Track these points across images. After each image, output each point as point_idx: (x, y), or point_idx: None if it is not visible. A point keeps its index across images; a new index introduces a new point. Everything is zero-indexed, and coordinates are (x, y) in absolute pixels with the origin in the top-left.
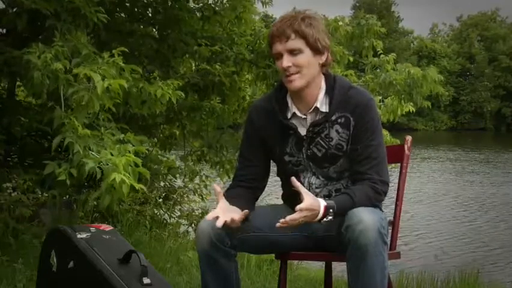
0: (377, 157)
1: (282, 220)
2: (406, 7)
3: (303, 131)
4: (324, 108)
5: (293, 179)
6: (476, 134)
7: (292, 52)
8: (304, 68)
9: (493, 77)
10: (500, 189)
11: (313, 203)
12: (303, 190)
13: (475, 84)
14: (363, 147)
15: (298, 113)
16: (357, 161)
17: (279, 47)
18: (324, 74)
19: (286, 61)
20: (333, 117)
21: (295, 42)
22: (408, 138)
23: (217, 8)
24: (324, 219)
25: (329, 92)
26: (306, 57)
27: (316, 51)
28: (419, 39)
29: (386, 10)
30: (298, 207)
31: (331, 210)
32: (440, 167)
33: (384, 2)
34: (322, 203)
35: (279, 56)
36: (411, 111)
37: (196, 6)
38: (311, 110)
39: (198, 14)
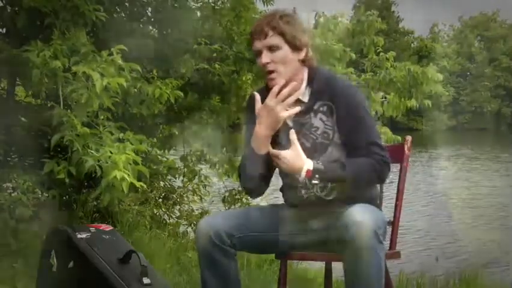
0: (366, 136)
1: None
2: (406, 7)
3: (290, 123)
4: (306, 99)
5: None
6: (476, 134)
7: (271, 49)
8: (282, 65)
9: (493, 77)
10: (501, 189)
11: (290, 158)
12: (293, 145)
13: (475, 84)
14: (351, 131)
15: None
16: (350, 145)
17: (258, 44)
18: (308, 67)
19: (265, 57)
20: (315, 107)
21: (273, 39)
22: (408, 138)
23: (216, 7)
24: (311, 180)
25: (310, 83)
26: (285, 53)
27: (295, 47)
28: (419, 39)
29: (386, 10)
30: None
31: (317, 176)
32: (440, 167)
33: (384, 1)
34: (307, 165)
35: (259, 53)
36: (414, 107)
37: (196, 5)
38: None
39: (198, 13)
